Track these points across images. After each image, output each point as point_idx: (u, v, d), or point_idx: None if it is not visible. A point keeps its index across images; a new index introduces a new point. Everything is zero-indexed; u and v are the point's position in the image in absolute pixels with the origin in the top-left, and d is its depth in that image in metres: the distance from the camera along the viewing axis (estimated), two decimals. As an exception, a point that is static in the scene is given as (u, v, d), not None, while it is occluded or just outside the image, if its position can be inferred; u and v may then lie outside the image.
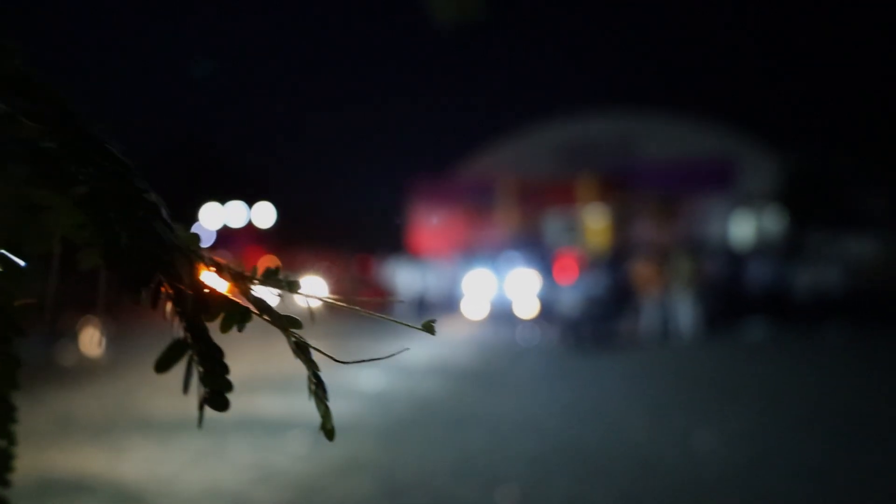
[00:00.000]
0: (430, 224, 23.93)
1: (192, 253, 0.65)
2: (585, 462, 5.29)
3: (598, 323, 10.86)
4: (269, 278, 0.70)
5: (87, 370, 9.10)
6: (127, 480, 5.13)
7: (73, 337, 9.12)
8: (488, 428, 6.27)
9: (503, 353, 10.48)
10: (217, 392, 0.63)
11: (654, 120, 30.64)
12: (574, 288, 10.78)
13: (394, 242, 22.20)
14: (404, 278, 14.75)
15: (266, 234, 22.98)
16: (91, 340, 9.26)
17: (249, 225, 22.84)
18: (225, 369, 0.64)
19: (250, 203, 22.96)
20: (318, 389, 0.68)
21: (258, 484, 5.00)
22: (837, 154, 29.80)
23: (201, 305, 0.63)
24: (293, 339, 0.67)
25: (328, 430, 0.68)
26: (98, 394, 8.02)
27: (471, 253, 17.93)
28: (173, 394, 7.93)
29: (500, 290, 14.41)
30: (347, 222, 38.40)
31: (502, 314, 14.19)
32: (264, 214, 23.02)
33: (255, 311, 0.66)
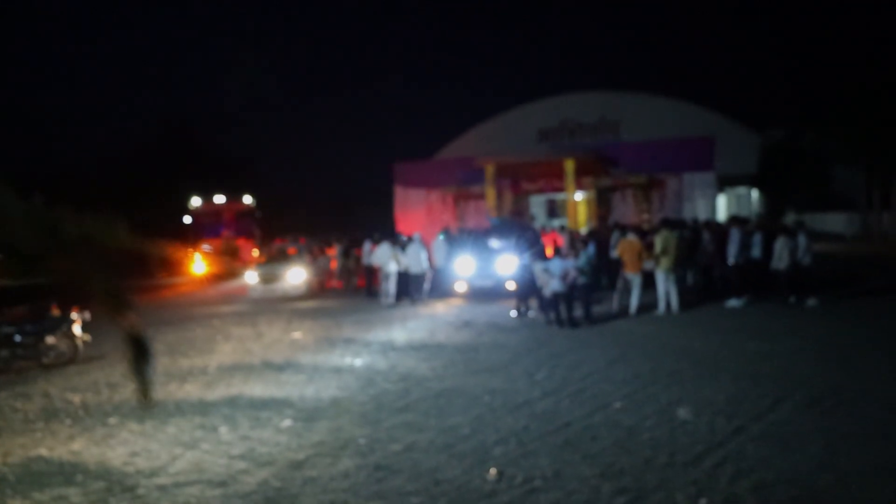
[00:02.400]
0: (414, 206, 23.94)
1: None
2: (568, 436, 5.40)
3: (581, 299, 10.97)
4: None
5: (77, 358, 9.09)
6: (116, 464, 5.16)
7: (64, 326, 9.08)
8: (472, 404, 6.35)
9: (487, 329, 10.57)
10: None
11: (635, 101, 30.66)
12: (557, 265, 10.86)
13: (379, 225, 22.22)
14: (389, 260, 14.76)
15: (253, 223, 22.94)
16: (81, 330, 9.23)
17: (237, 216, 22.79)
18: None
19: (238, 194, 22.93)
20: (137, 355, 0.62)
21: (246, 464, 5.06)
22: (815, 133, 30.15)
23: None
24: (102, 286, 0.60)
25: (143, 394, 0.63)
26: (88, 381, 8.02)
27: (455, 233, 17.98)
28: (161, 380, 7.93)
29: (483, 269, 14.50)
30: (332, 207, 38.37)
31: (486, 292, 14.28)
32: (251, 204, 23.03)
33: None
